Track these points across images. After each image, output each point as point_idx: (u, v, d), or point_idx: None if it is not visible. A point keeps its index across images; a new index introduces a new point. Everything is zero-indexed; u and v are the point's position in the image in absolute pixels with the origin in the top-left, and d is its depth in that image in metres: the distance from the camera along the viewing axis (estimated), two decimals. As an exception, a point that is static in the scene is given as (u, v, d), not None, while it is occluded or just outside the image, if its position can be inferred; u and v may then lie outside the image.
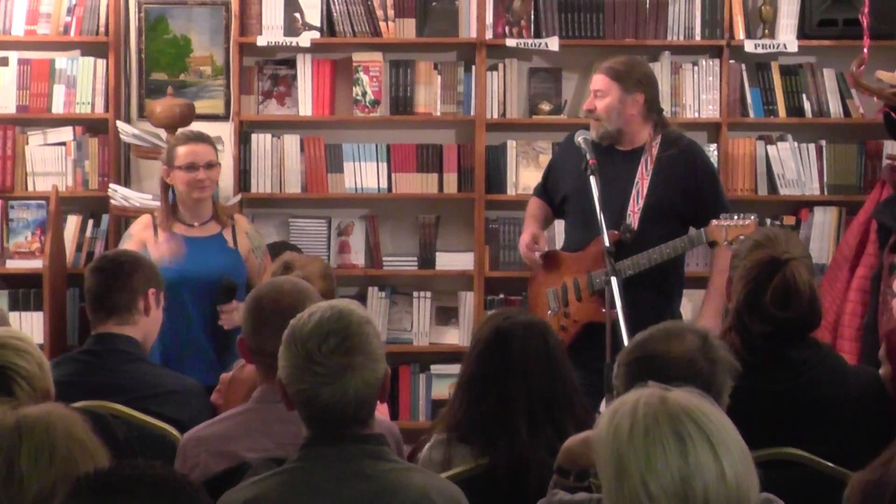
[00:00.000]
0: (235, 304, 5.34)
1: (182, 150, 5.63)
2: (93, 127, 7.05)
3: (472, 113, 7.00)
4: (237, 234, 5.68)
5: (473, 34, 6.97)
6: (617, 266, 5.19)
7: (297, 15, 6.95)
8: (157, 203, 6.64)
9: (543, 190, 5.84)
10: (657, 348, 2.89)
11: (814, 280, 3.84)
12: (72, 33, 6.96)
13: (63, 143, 7.00)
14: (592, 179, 5.01)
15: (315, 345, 2.83)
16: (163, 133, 6.77)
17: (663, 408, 2.25)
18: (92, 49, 7.02)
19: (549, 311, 5.55)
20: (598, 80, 5.54)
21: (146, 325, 4.31)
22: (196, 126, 6.80)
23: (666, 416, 2.23)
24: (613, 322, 4.67)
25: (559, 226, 6.04)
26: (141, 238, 5.62)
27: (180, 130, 5.95)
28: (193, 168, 5.59)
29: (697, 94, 6.99)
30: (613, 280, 4.72)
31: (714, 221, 5.36)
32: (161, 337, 5.28)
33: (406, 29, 6.98)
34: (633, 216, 5.44)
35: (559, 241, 6.02)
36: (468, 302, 7.06)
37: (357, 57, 7.01)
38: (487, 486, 3.46)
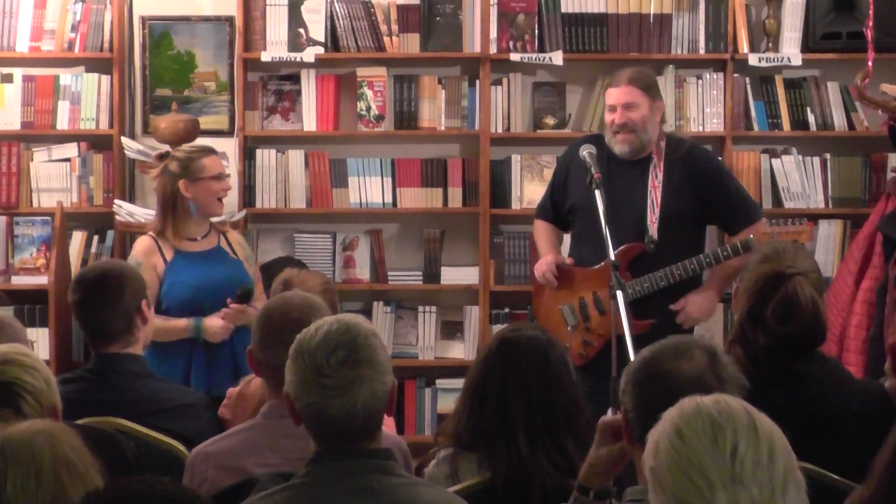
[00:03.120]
0: (245, 308, 5.35)
1: (207, 162, 5.59)
2: (97, 143, 7.06)
3: (477, 127, 7.00)
4: (233, 245, 5.67)
5: (477, 49, 6.98)
6: (655, 276, 5.35)
7: (301, 30, 6.96)
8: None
9: (550, 206, 5.84)
10: (665, 367, 2.86)
11: (819, 296, 3.83)
12: (76, 50, 6.98)
13: (68, 160, 7.00)
14: (598, 194, 5.00)
15: (323, 358, 2.83)
16: (167, 149, 6.77)
17: (712, 398, 2.22)
18: (96, 65, 7.04)
19: (568, 328, 5.56)
20: (629, 93, 5.53)
21: (144, 334, 4.30)
22: (201, 142, 6.82)
23: (715, 399, 2.21)
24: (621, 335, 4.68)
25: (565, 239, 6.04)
26: (151, 264, 5.49)
27: (189, 145, 5.90)
28: (222, 178, 5.61)
29: (702, 107, 7.00)
30: (619, 294, 4.72)
31: (761, 228, 5.40)
32: (186, 349, 5.32)
33: (410, 44, 6.99)
34: (653, 226, 5.45)
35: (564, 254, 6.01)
36: (473, 316, 7.05)
37: (361, 72, 7.03)
38: (492, 499, 3.47)
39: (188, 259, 5.52)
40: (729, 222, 5.63)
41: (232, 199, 6.76)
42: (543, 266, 5.70)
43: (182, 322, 5.42)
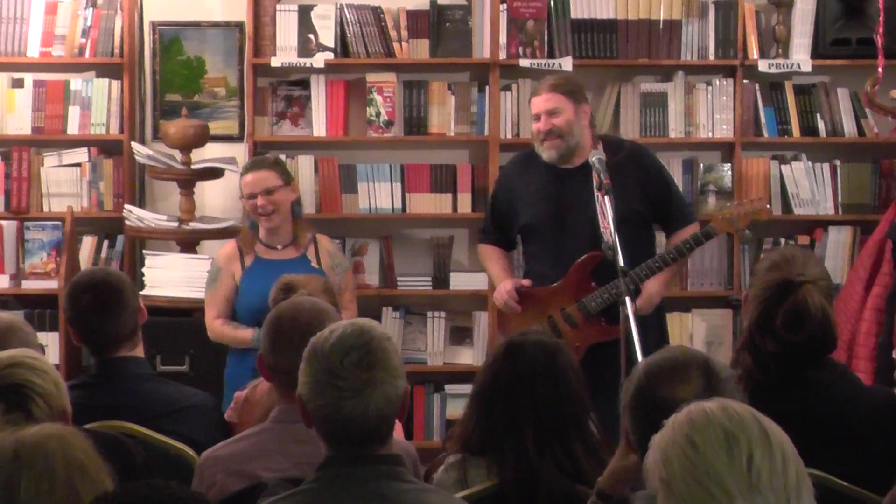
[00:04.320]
0: None
1: (243, 181, 5.72)
2: (107, 148, 7.07)
3: (486, 133, 7.00)
4: (320, 253, 5.70)
5: (487, 54, 6.98)
6: (617, 283, 5.26)
7: (311, 36, 6.96)
8: (171, 224, 6.70)
9: (494, 228, 5.82)
10: (661, 394, 2.81)
11: (828, 303, 3.82)
12: (86, 55, 6.99)
13: (78, 165, 7.02)
14: (607, 200, 5.00)
15: (337, 359, 2.82)
16: (177, 154, 6.79)
17: (720, 406, 2.22)
18: (106, 70, 7.05)
19: None
20: (550, 99, 5.54)
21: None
22: (210, 147, 6.86)
23: (723, 407, 2.20)
24: (627, 342, 4.67)
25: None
26: (230, 271, 5.69)
27: (247, 161, 5.91)
28: (252, 197, 5.65)
29: (711, 113, 6.99)
30: (628, 300, 4.73)
31: (719, 213, 5.42)
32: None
33: (419, 49, 7.00)
34: (606, 232, 5.38)
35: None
36: (482, 322, 7.05)
37: (371, 77, 7.03)
38: (500, 504, 3.48)
39: (266, 266, 5.62)
40: (668, 222, 5.66)
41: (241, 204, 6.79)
42: (504, 294, 5.62)
43: (248, 333, 5.56)
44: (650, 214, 5.63)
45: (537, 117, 5.57)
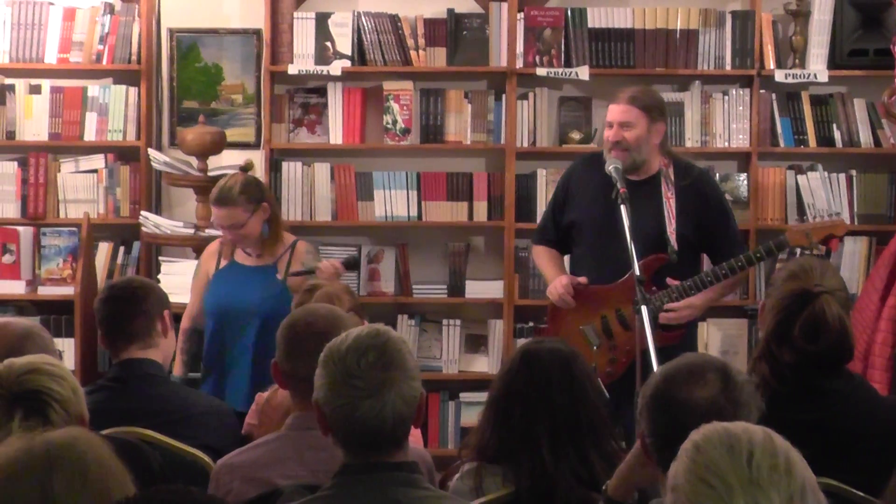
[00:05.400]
0: (344, 271, 5.65)
1: (213, 211, 5.75)
2: (124, 154, 7.09)
3: (503, 141, 7.01)
4: (292, 264, 5.68)
5: (504, 63, 6.98)
6: (692, 282, 5.34)
7: (328, 44, 6.98)
8: (188, 230, 6.72)
9: (553, 227, 5.79)
10: (678, 396, 2.83)
11: (846, 314, 3.82)
12: (104, 61, 7.01)
13: (95, 171, 7.04)
14: (623, 209, 4.99)
15: (354, 360, 2.84)
16: (194, 161, 6.81)
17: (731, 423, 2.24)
18: (124, 77, 7.07)
19: (593, 347, 5.49)
20: (625, 112, 5.48)
21: (165, 346, 4.32)
22: (227, 154, 6.87)
23: (733, 423, 2.23)
24: (645, 351, 4.67)
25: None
26: (206, 269, 5.79)
27: (215, 191, 5.85)
28: (222, 228, 5.71)
29: (727, 123, 6.99)
30: (644, 310, 4.72)
31: (793, 225, 5.39)
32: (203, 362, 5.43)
33: (436, 58, 7.00)
34: (672, 236, 5.41)
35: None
36: (497, 330, 7.06)
37: (388, 85, 7.04)
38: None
39: (236, 271, 5.72)
40: (716, 254, 5.59)
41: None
42: (559, 288, 5.59)
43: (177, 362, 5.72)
44: (698, 243, 5.58)
45: (610, 125, 5.52)
